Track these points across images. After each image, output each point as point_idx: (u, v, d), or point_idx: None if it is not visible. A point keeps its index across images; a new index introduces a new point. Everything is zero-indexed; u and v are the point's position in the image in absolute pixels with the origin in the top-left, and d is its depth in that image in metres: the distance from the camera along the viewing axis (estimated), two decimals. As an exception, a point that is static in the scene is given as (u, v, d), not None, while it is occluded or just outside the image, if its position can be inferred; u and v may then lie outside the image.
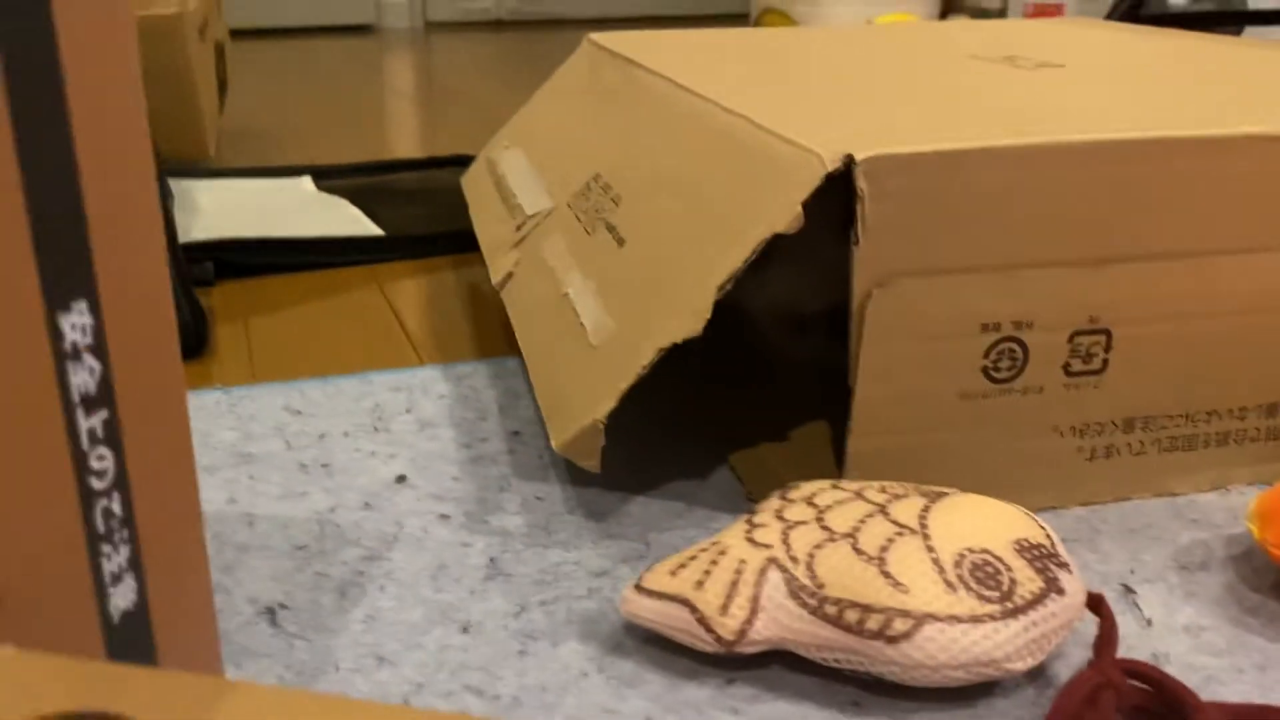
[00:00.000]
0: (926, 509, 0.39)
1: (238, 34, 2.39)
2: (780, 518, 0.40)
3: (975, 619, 0.35)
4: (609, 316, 0.50)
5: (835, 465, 0.50)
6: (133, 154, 0.26)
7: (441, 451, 0.54)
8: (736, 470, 0.52)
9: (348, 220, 0.92)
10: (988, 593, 0.36)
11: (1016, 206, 0.44)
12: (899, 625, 0.35)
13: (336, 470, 0.53)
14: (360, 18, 2.59)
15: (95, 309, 0.25)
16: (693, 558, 0.40)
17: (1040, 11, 2.18)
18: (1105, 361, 0.47)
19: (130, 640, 0.27)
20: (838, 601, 0.36)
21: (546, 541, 0.47)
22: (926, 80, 0.60)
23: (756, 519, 0.40)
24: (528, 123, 0.83)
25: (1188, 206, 0.46)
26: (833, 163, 0.42)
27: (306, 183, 1.04)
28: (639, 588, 0.39)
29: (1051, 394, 0.47)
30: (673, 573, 0.39)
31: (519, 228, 0.66)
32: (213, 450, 0.55)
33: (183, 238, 0.82)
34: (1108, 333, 0.46)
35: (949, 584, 0.36)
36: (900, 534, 0.38)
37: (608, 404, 0.45)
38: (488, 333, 0.71)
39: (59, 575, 0.25)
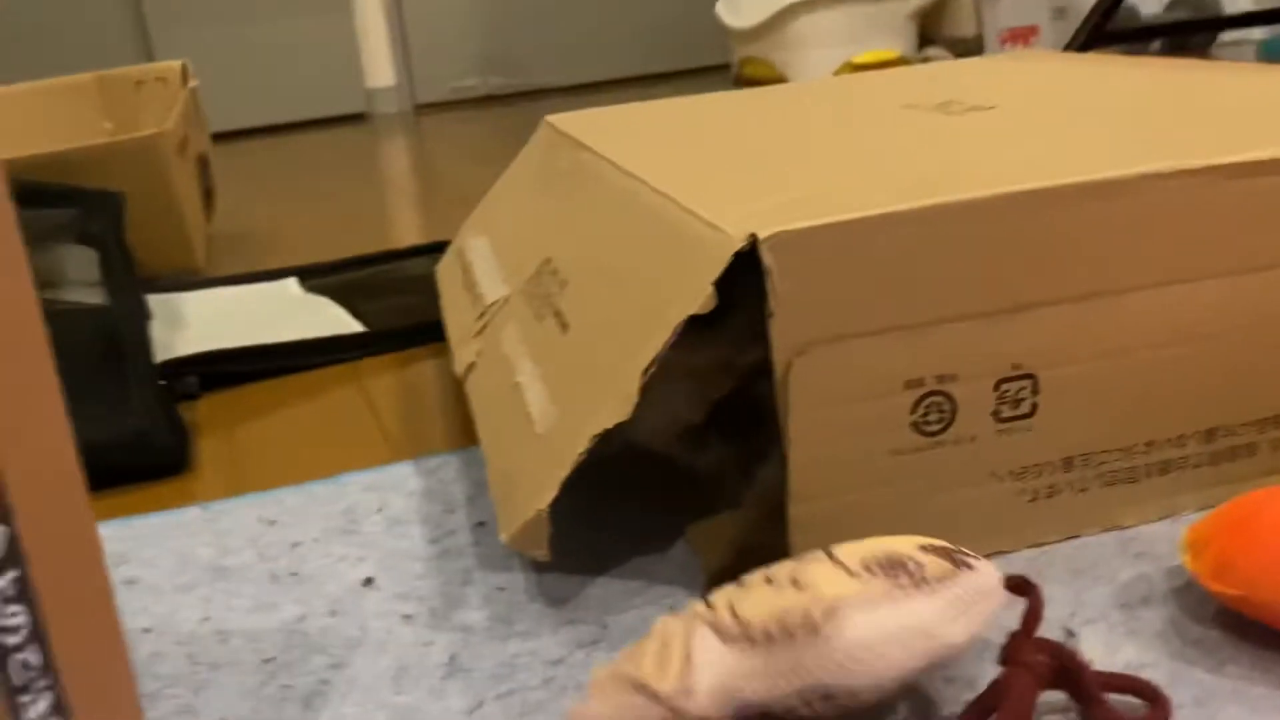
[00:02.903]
0: (833, 547, 0.41)
1: (232, 135, 2.45)
2: (708, 602, 0.41)
3: (891, 598, 0.37)
4: (553, 404, 0.52)
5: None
6: (16, 310, 0.28)
7: (409, 549, 0.56)
8: (693, 545, 0.53)
9: (330, 321, 0.94)
10: (899, 578, 0.38)
11: (924, 265, 0.45)
12: (816, 612, 0.37)
13: (306, 578, 0.54)
14: (351, 107, 2.65)
15: (-5, 478, 0.27)
16: (629, 653, 0.41)
17: (1015, 36, 2.20)
18: (1035, 405, 0.48)
19: (58, 785, 0.28)
20: (761, 624, 0.38)
21: (506, 633, 0.48)
22: (853, 141, 0.62)
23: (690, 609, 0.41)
24: (492, 209, 0.85)
25: (1096, 248, 0.47)
26: (739, 240, 0.43)
27: (292, 285, 1.07)
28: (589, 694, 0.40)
29: (985, 442, 0.48)
30: (611, 670, 0.40)
31: (480, 316, 0.68)
32: (191, 568, 0.56)
33: (167, 354, 0.84)
34: (1033, 377, 0.47)
35: (855, 574, 0.38)
36: (807, 563, 0.39)
37: (549, 493, 0.46)
38: (460, 422, 0.72)
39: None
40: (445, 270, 0.86)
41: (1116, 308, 0.47)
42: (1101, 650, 0.42)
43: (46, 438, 0.29)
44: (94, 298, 0.83)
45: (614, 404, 0.45)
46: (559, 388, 0.53)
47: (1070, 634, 0.43)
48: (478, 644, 0.47)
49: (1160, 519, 0.51)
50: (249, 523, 0.60)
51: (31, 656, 0.28)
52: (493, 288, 0.70)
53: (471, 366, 0.65)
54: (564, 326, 0.56)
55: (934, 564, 0.39)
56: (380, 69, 2.70)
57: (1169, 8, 2.30)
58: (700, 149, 0.68)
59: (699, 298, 0.44)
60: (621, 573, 0.51)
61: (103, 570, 0.31)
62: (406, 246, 1.17)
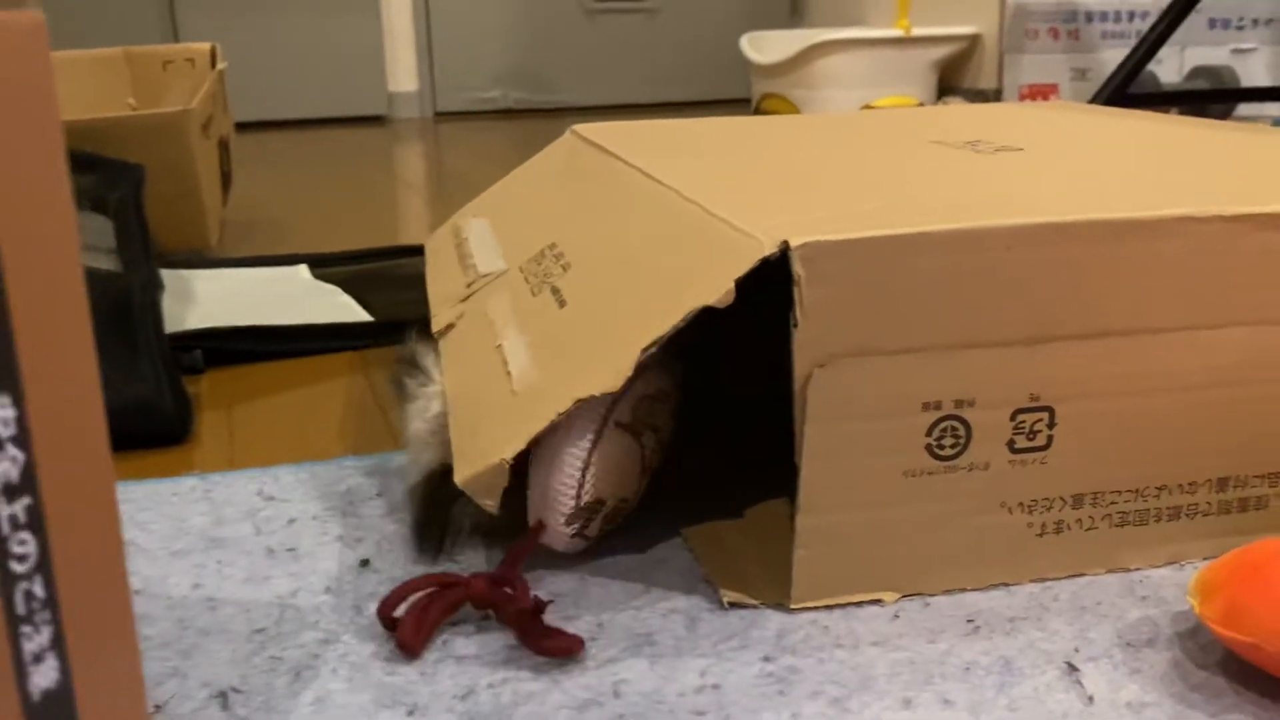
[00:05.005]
0: None
1: (253, 125, 2.46)
2: None
3: None
4: (536, 368, 0.51)
5: (789, 539, 0.51)
6: (58, 249, 0.28)
7: (408, 535, 0.55)
8: (693, 549, 0.53)
9: (338, 308, 0.94)
10: None
11: (952, 289, 0.45)
12: None
13: (303, 554, 0.54)
14: (372, 109, 2.66)
15: (19, 402, 0.27)
16: None
17: (1035, 92, 2.22)
18: (1050, 438, 0.48)
19: (52, 719, 0.28)
20: None
21: (501, 624, 0.47)
22: (884, 167, 0.62)
23: None
24: (499, 196, 0.85)
25: (1124, 286, 0.47)
26: (770, 247, 0.43)
27: (302, 271, 1.06)
28: None
29: (997, 471, 0.48)
30: None
31: (469, 285, 0.67)
32: (184, 535, 0.56)
33: (175, 327, 0.84)
34: (1050, 410, 0.47)
35: None
36: None
37: (515, 446, 0.46)
38: (465, 416, 0.72)
39: (-26, 658, 0.25)
40: (436, 243, 0.85)
41: (1140, 348, 0.47)
42: (1104, 687, 0.42)
43: (73, 371, 0.29)
44: (107, 264, 0.83)
45: (606, 375, 0.45)
46: (545, 355, 0.52)
47: (1073, 668, 0.43)
48: (471, 631, 0.47)
49: (1166, 565, 0.50)
50: (247, 496, 0.60)
51: (37, 588, 0.27)
52: (488, 262, 0.69)
53: (450, 327, 0.64)
54: (561, 303, 0.55)
55: None
56: (404, 73, 2.72)
57: (1189, 77, 2.32)
58: (730, 165, 0.68)
59: (718, 291, 0.43)
60: (619, 573, 0.51)
61: (114, 509, 0.30)
62: (418, 244, 1.17)
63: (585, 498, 0.48)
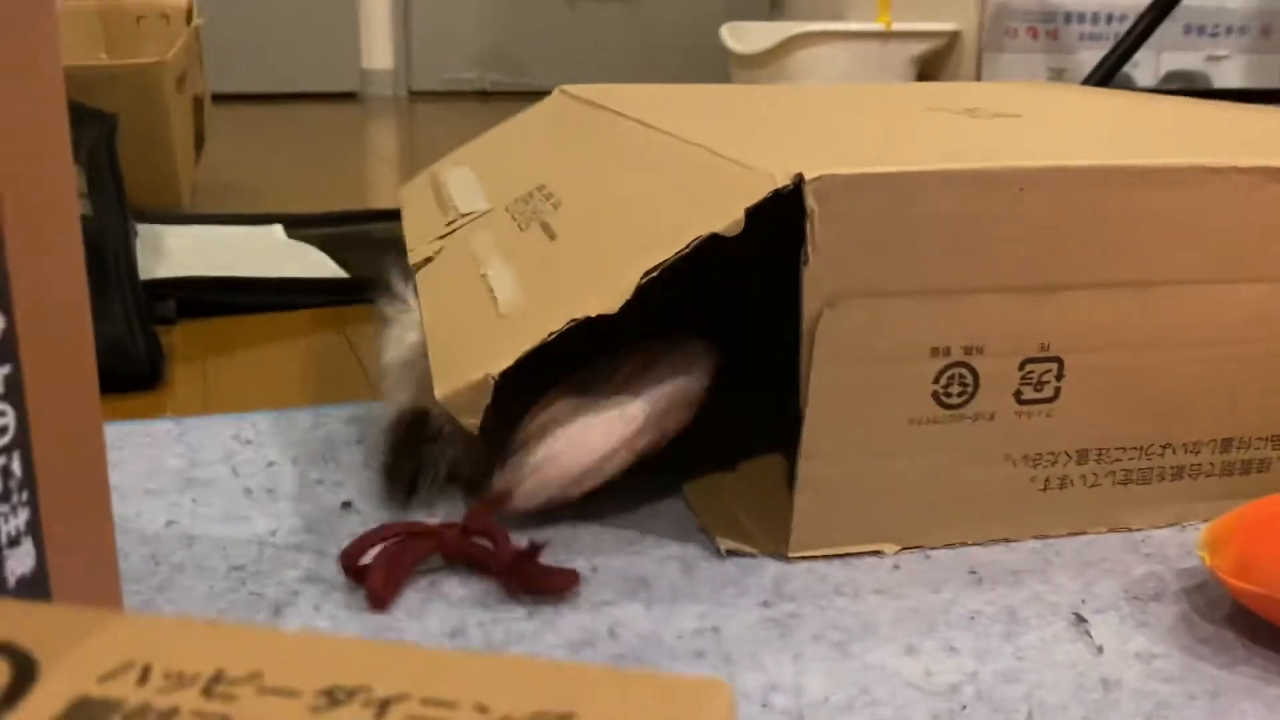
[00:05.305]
0: None
1: (223, 98, 2.41)
2: None
3: None
4: (524, 294, 0.49)
5: (787, 493, 0.50)
6: (50, 157, 0.26)
7: (377, 478, 0.53)
8: (689, 501, 0.51)
9: (314, 265, 0.92)
10: None
11: (967, 231, 0.44)
12: None
13: (282, 496, 0.52)
14: (345, 85, 2.62)
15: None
16: None
17: (1013, 90, 2.22)
18: (1057, 390, 0.47)
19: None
20: None
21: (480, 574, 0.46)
22: (887, 123, 0.61)
23: None
24: (482, 147, 0.83)
25: (1140, 236, 0.46)
26: (783, 179, 0.42)
27: (277, 231, 1.04)
28: None
29: (1003, 422, 0.47)
30: None
31: (449, 223, 0.65)
32: (158, 475, 0.54)
33: (146, 276, 0.81)
34: (1059, 361, 0.46)
35: None
36: None
37: (505, 361, 0.44)
38: (448, 371, 0.70)
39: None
40: (411, 190, 0.82)
41: (1152, 300, 0.46)
42: (1112, 639, 0.41)
43: (55, 238, 0.27)
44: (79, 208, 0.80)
45: (604, 297, 0.43)
46: (534, 282, 0.50)
47: (1081, 619, 0.42)
48: (463, 572, 0.45)
49: (1167, 525, 0.50)
50: (223, 439, 0.58)
51: (15, 465, 0.26)
52: (469, 202, 0.66)
53: (428, 260, 0.62)
54: (551, 236, 0.53)
55: None
56: (379, 51, 2.68)
57: (1163, 81, 2.34)
58: (730, 119, 0.66)
59: (727, 220, 0.42)
60: (614, 523, 0.49)
61: (94, 385, 0.28)
62: (395, 208, 1.15)
63: (572, 491, 0.47)
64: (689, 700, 0.17)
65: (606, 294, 0.43)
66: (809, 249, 0.43)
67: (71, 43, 1.31)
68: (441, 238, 0.63)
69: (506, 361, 0.43)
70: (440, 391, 0.45)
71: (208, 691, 0.17)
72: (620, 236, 0.48)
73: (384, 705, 0.17)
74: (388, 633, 0.41)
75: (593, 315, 0.43)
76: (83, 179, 0.85)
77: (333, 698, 0.17)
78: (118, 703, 0.17)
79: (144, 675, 0.17)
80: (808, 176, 0.42)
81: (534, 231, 0.55)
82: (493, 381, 0.43)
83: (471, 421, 0.44)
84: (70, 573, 0.27)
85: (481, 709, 0.17)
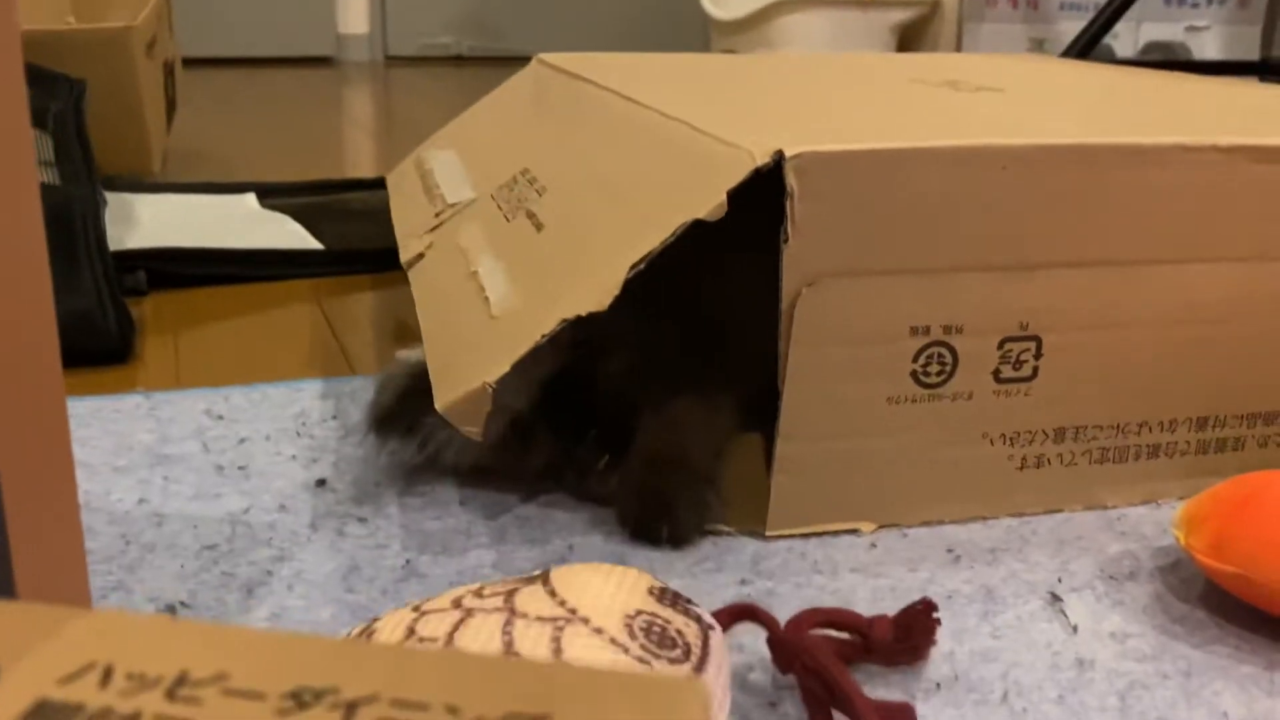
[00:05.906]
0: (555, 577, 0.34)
1: (195, 62, 2.38)
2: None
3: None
4: (515, 293, 0.49)
5: (765, 472, 0.50)
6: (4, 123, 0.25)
7: (365, 457, 0.53)
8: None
9: (288, 235, 0.90)
10: (672, 651, 0.31)
11: (947, 209, 0.44)
12: None
13: (254, 473, 0.51)
14: (319, 50, 2.59)
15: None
16: None
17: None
18: (1035, 369, 0.47)
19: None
20: None
21: (467, 545, 0.45)
22: (869, 96, 0.60)
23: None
24: (464, 127, 0.82)
25: (1117, 215, 0.45)
26: (762, 158, 0.41)
27: (250, 200, 1.02)
28: None
29: (981, 401, 0.46)
30: None
31: (438, 214, 0.64)
32: (128, 451, 0.53)
33: (116, 246, 0.80)
34: (1038, 340, 0.46)
35: (622, 645, 0.31)
36: (544, 611, 0.32)
37: (500, 369, 0.43)
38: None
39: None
40: (398, 177, 0.82)
41: (1130, 279, 0.46)
42: (1087, 618, 0.41)
43: (10, 208, 0.26)
44: (44, 177, 0.79)
45: (593, 294, 0.43)
46: (524, 279, 0.50)
47: (1056, 598, 0.42)
48: (436, 551, 0.45)
49: (1142, 503, 0.50)
50: (194, 415, 0.57)
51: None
52: (455, 191, 0.66)
53: (419, 257, 0.62)
54: (538, 226, 0.53)
55: (688, 629, 0.33)
56: (354, 15, 2.65)
57: (1143, 52, 2.34)
58: (709, 91, 0.66)
59: (709, 204, 0.42)
60: (589, 504, 0.49)
61: (57, 369, 0.28)
62: (374, 177, 1.13)
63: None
64: (665, 701, 0.17)
65: (595, 291, 0.42)
66: (789, 228, 0.42)
67: (38, 6, 1.28)
68: (431, 230, 0.63)
69: (502, 369, 0.43)
70: (440, 403, 0.44)
71: (171, 694, 0.16)
72: (605, 227, 0.47)
73: (352, 707, 0.16)
74: (364, 613, 0.40)
75: (583, 314, 0.42)
76: (49, 147, 0.84)
77: (299, 700, 0.16)
78: (79, 706, 0.16)
79: (106, 677, 0.17)
80: (788, 154, 0.41)
81: (520, 221, 0.54)
82: (489, 391, 0.43)
83: (473, 431, 0.44)
84: (35, 564, 0.26)
85: (453, 710, 0.16)
